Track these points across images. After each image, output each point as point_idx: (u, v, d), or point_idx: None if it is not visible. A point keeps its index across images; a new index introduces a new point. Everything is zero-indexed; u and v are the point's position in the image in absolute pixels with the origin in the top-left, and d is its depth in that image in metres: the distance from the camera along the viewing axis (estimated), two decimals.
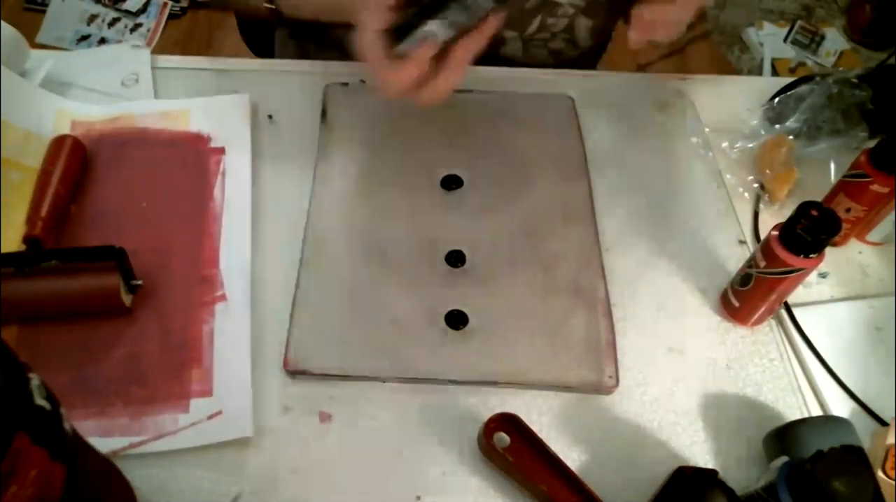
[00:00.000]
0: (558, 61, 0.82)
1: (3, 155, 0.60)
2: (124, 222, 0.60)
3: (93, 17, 1.83)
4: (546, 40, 0.78)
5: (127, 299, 0.54)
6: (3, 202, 0.58)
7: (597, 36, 0.80)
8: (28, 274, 0.53)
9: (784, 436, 0.51)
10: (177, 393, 0.52)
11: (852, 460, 0.42)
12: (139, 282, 0.55)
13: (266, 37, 0.93)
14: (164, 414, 0.51)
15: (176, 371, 0.53)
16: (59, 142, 0.61)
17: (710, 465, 0.53)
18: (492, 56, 0.79)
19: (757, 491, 0.47)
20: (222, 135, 0.66)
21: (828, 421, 0.54)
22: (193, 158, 0.64)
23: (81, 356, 0.53)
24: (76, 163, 0.61)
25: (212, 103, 0.68)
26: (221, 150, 0.65)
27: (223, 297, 0.56)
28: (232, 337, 0.55)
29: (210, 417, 0.51)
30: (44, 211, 0.57)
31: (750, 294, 0.58)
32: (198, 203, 0.62)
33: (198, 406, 0.51)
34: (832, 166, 0.70)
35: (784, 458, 0.49)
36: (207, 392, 0.52)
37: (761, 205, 0.69)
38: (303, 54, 0.87)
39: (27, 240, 0.55)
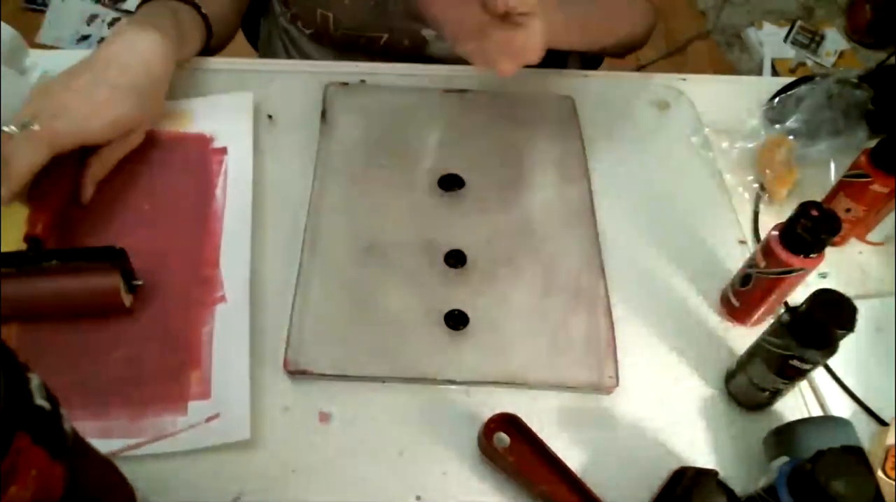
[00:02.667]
0: None
1: None
2: (126, 222, 0.60)
3: (93, 17, 1.83)
4: None
5: (127, 299, 0.54)
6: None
7: None
8: (28, 274, 0.53)
9: (784, 436, 0.51)
10: (175, 396, 0.52)
11: (852, 460, 0.42)
12: (139, 283, 0.55)
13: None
14: (162, 416, 0.51)
15: (175, 372, 0.53)
16: None
17: (710, 465, 0.53)
18: (419, 57, 0.78)
19: (757, 491, 0.47)
20: (225, 135, 0.66)
21: (828, 421, 0.54)
22: (196, 159, 0.64)
23: (81, 356, 0.53)
24: (79, 163, 0.61)
25: (215, 102, 0.68)
26: (224, 151, 0.65)
27: (223, 299, 0.56)
28: (231, 339, 0.54)
29: (208, 420, 0.51)
30: (45, 210, 0.56)
31: (750, 294, 0.58)
32: (200, 203, 0.62)
33: (196, 408, 0.51)
34: (832, 166, 0.70)
35: (784, 458, 0.49)
36: (206, 394, 0.52)
37: (761, 205, 0.69)
38: (287, 52, 0.87)
39: (28, 239, 0.55)
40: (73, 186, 0.60)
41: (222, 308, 0.56)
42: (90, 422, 0.50)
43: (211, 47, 0.72)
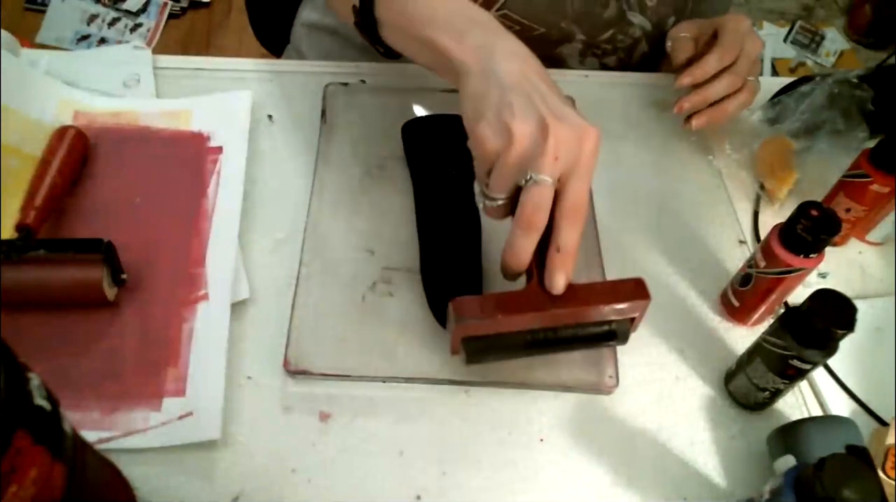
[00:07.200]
0: None
1: (3, 141, 0.60)
2: (118, 216, 0.60)
3: (93, 17, 1.83)
4: (606, 52, 0.78)
5: (110, 293, 0.54)
6: (1, 188, 0.58)
7: (643, 62, 0.81)
8: (14, 262, 0.52)
9: (789, 435, 0.51)
10: (150, 392, 0.51)
11: (858, 464, 0.42)
12: (124, 277, 0.55)
13: (280, 31, 0.93)
14: (135, 412, 0.50)
15: (152, 368, 0.52)
16: (61, 132, 0.61)
17: (710, 465, 0.53)
18: (545, 54, 0.78)
19: (762, 495, 0.47)
20: (222, 134, 0.66)
21: (833, 420, 0.54)
22: (191, 157, 0.64)
23: (60, 347, 0.53)
24: (77, 155, 0.61)
25: (214, 101, 0.68)
26: (219, 150, 0.65)
27: (205, 297, 0.56)
28: (210, 338, 0.54)
29: (180, 417, 0.50)
30: (38, 200, 0.56)
31: (750, 294, 0.58)
32: (191, 201, 0.61)
33: (170, 405, 0.51)
34: (832, 166, 0.70)
35: (789, 457, 0.49)
36: (181, 392, 0.52)
37: (761, 205, 0.69)
38: (321, 53, 0.86)
39: (19, 228, 0.55)
40: (71, 178, 0.60)
41: (204, 306, 0.56)
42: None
43: None
